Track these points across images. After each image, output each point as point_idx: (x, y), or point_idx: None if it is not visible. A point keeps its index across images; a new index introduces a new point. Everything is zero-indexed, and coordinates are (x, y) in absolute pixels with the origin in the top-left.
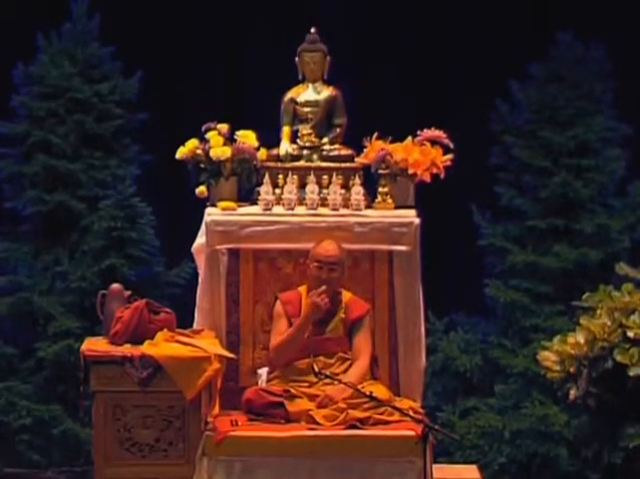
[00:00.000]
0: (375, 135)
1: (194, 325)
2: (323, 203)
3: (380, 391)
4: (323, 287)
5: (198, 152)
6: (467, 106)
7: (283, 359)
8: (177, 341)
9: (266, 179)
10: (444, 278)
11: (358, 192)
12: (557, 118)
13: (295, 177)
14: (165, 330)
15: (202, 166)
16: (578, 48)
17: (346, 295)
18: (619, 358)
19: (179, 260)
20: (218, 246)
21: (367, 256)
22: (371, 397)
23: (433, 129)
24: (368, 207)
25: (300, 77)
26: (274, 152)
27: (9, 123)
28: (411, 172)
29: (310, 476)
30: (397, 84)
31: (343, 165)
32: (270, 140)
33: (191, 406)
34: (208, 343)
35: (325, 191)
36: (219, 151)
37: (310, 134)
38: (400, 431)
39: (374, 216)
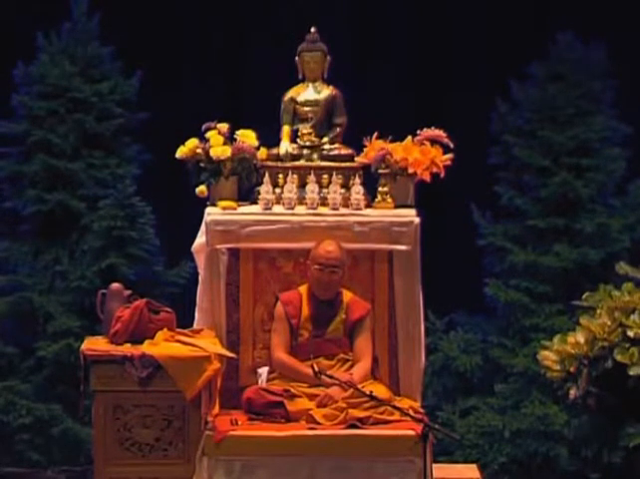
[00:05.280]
0: (375, 134)
1: (194, 325)
2: (323, 202)
3: (380, 391)
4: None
5: (198, 151)
6: (467, 106)
7: (285, 374)
8: (178, 341)
9: (266, 178)
10: (444, 278)
11: (358, 191)
12: (557, 117)
13: (295, 176)
14: (165, 330)
15: (202, 165)
16: (578, 48)
17: (347, 295)
18: (619, 358)
19: (179, 260)
20: (218, 246)
21: (367, 256)
22: (371, 397)
23: (433, 128)
24: (368, 206)
25: (300, 76)
26: (274, 151)
27: (9, 122)
28: (411, 171)
29: (310, 476)
30: (397, 84)
31: (343, 164)
32: (270, 139)
33: (191, 406)
34: (208, 343)
35: (325, 190)
36: (219, 150)
37: (310, 133)
38: (400, 431)
39: (374, 215)
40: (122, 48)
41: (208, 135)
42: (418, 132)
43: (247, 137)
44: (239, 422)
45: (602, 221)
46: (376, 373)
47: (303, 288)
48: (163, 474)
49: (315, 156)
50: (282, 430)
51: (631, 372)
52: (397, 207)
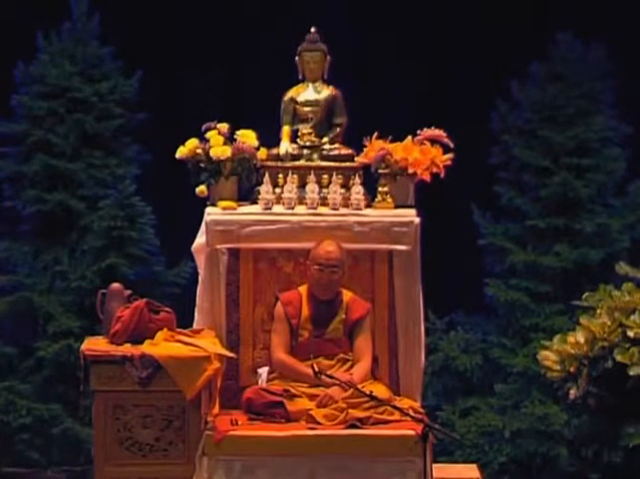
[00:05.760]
0: (375, 134)
1: (194, 325)
2: (323, 202)
3: (380, 391)
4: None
5: (198, 151)
6: (467, 105)
7: (285, 375)
8: (178, 341)
9: (266, 178)
10: (444, 278)
11: (358, 191)
12: (557, 117)
13: (295, 176)
14: (165, 330)
15: (202, 165)
16: (578, 48)
17: (347, 295)
18: (619, 358)
19: (179, 260)
20: (218, 246)
21: (367, 256)
22: (371, 397)
23: (433, 128)
24: (368, 206)
25: (300, 76)
26: (274, 151)
27: (9, 122)
28: (411, 171)
29: (310, 476)
30: (397, 84)
31: (343, 164)
32: (270, 139)
33: (191, 406)
34: (208, 343)
35: (325, 190)
36: (219, 150)
37: (310, 133)
38: (400, 431)
39: (374, 215)
40: (122, 48)
41: (208, 135)
42: (418, 132)
43: (247, 137)
44: (239, 422)
45: (602, 221)
46: (376, 373)
47: (303, 288)
48: (163, 474)
49: (315, 156)
50: (282, 430)
51: (631, 372)
52: (397, 207)
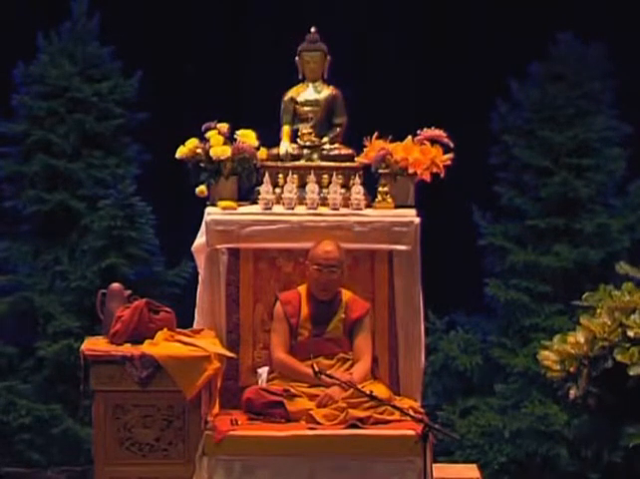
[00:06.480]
0: (375, 134)
1: (194, 325)
2: (323, 202)
3: (380, 391)
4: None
5: (198, 151)
6: (467, 105)
7: (285, 374)
8: (177, 341)
9: (266, 178)
10: (444, 278)
11: (358, 191)
12: (557, 117)
13: (295, 176)
14: (165, 330)
15: (202, 165)
16: (578, 48)
17: (346, 295)
18: (619, 358)
19: (179, 260)
20: (218, 246)
21: (367, 256)
22: (371, 396)
23: (433, 128)
24: (368, 206)
25: (300, 76)
26: (274, 151)
27: (9, 122)
28: (411, 171)
29: (310, 476)
30: (397, 84)
31: (343, 164)
32: (270, 139)
33: (191, 406)
34: (208, 343)
35: (325, 190)
36: (219, 150)
37: (310, 133)
38: (400, 430)
39: (374, 215)
40: (122, 48)
41: (208, 135)
42: (418, 132)
43: (247, 137)
44: (239, 422)
45: (602, 221)
46: (376, 373)
47: (302, 288)
48: (163, 474)
49: (315, 156)
50: (282, 430)
51: (631, 372)
52: (397, 207)
